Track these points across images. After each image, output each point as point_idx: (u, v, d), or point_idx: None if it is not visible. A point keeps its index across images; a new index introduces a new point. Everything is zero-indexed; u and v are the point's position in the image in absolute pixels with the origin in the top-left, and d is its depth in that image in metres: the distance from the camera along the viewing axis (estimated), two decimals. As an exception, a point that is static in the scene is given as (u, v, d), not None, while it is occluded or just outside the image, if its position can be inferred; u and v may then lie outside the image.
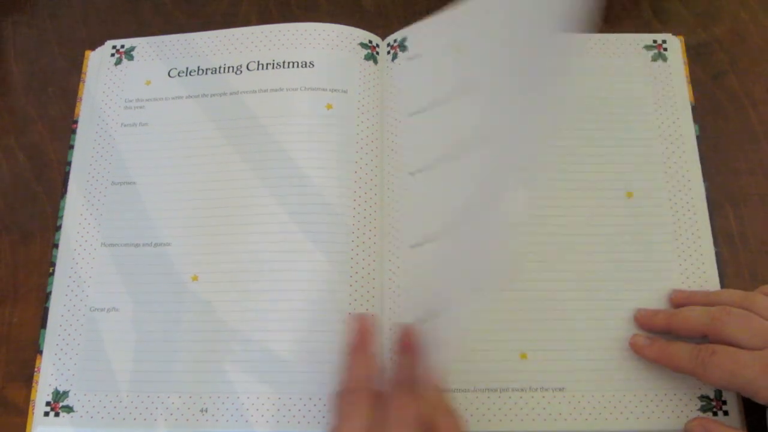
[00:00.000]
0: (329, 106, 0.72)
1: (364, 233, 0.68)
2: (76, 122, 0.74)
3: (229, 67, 0.75)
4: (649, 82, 0.74)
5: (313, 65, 0.74)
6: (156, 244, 0.69)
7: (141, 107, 0.74)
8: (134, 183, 0.71)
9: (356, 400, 0.55)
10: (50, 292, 0.68)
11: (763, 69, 0.76)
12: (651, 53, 0.75)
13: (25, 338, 0.68)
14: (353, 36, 0.76)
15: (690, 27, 0.78)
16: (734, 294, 0.63)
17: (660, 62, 0.74)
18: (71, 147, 0.73)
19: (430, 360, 0.57)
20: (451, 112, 0.70)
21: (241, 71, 0.75)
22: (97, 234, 0.70)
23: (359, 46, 0.75)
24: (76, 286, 0.68)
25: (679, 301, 0.66)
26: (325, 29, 0.76)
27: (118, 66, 0.76)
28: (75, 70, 0.77)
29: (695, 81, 0.75)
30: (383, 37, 0.77)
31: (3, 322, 0.69)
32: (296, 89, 0.73)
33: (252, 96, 0.73)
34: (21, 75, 0.78)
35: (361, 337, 0.60)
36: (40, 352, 0.66)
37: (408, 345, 0.59)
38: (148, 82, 0.75)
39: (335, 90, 0.73)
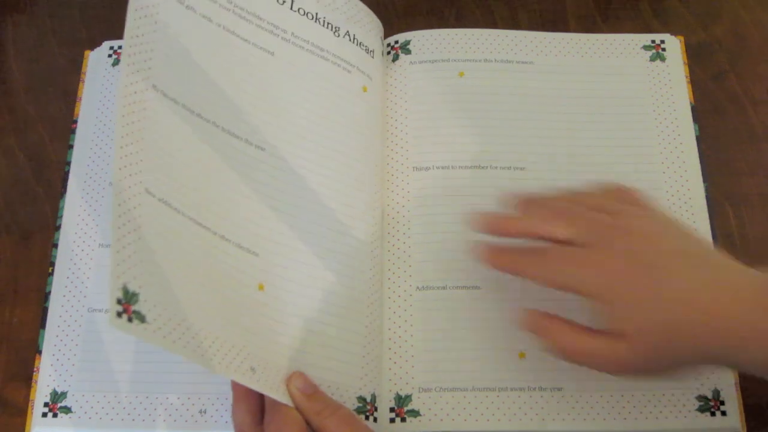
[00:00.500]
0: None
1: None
2: (75, 122, 0.75)
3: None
4: (648, 82, 0.74)
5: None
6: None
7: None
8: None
9: None
10: (49, 292, 0.68)
11: (763, 69, 0.76)
12: (649, 53, 0.75)
13: (25, 338, 0.68)
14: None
15: (690, 27, 0.78)
16: (568, 193, 0.62)
17: (658, 62, 0.74)
18: (71, 147, 0.73)
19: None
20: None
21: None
22: (96, 235, 0.70)
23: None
24: (74, 287, 0.68)
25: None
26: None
27: (116, 67, 0.76)
28: (75, 70, 0.77)
29: (695, 81, 0.75)
30: (384, 37, 0.77)
31: (3, 322, 0.69)
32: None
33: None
34: (21, 75, 0.78)
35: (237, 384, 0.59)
36: (39, 352, 0.67)
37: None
38: None
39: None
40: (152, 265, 0.55)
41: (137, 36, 0.61)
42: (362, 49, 0.73)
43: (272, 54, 0.69)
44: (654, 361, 0.55)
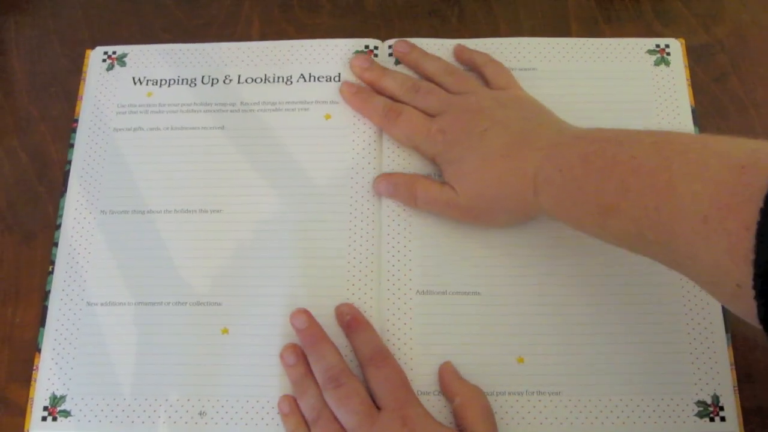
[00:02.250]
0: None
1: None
2: (76, 121, 0.75)
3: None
4: (651, 87, 0.73)
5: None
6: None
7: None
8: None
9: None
10: (49, 291, 0.69)
11: (765, 70, 0.76)
12: (653, 58, 0.74)
13: (28, 338, 0.68)
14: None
15: (692, 28, 0.77)
16: (439, 66, 0.73)
17: (663, 67, 0.74)
18: (71, 146, 0.74)
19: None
20: None
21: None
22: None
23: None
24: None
25: (399, 56, 0.75)
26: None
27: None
28: (77, 70, 0.77)
29: (697, 83, 0.75)
30: (384, 38, 0.77)
31: (5, 322, 0.69)
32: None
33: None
34: (23, 75, 0.78)
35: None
36: (39, 350, 0.67)
37: (354, 322, 0.65)
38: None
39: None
40: (85, 366, 0.66)
41: (84, 168, 0.73)
42: (322, 81, 0.75)
43: (222, 128, 0.74)
44: (484, 206, 0.65)
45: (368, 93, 0.73)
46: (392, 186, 0.69)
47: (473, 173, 0.64)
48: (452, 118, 0.67)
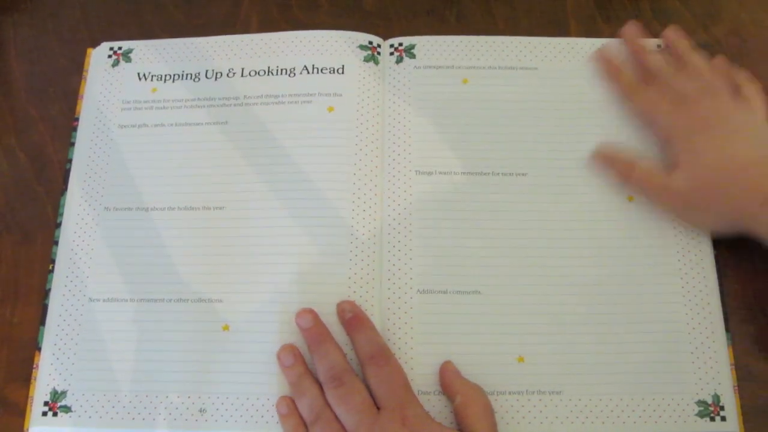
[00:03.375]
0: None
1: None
2: (77, 120, 0.75)
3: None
4: (653, 86, 0.74)
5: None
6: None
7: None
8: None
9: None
10: (50, 289, 0.69)
11: (763, 70, 0.76)
12: (656, 58, 0.75)
13: (27, 338, 0.68)
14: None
15: (690, 28, 0.77)
16: (705, 63, 0.72)
17: (663, 66, 0.74)
18: (72, 144, 0.74)
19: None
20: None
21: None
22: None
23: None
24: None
25: (669, 42, 0.75)
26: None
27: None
28: (76, 70, 0.77)
29: (696, 82, 0.75)
30: (385, 37, 0.77)
31: (4, 322, 0.69)
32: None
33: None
34: (22, 75, 0.78)
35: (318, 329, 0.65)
36: (39, 349, 0.67)
37: (356, 320, 0.65)
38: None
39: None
40: (86, 362, 0.66)
41: (88, 164, 0.73)
42: (325, 72, 0.75)
43: (225, 123, 0.74)
44: (702, 196, 0.65)
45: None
46: (609, 159, 0.70)
47: (710, 158, 0.65)
48: (706, 103, 0.68)
